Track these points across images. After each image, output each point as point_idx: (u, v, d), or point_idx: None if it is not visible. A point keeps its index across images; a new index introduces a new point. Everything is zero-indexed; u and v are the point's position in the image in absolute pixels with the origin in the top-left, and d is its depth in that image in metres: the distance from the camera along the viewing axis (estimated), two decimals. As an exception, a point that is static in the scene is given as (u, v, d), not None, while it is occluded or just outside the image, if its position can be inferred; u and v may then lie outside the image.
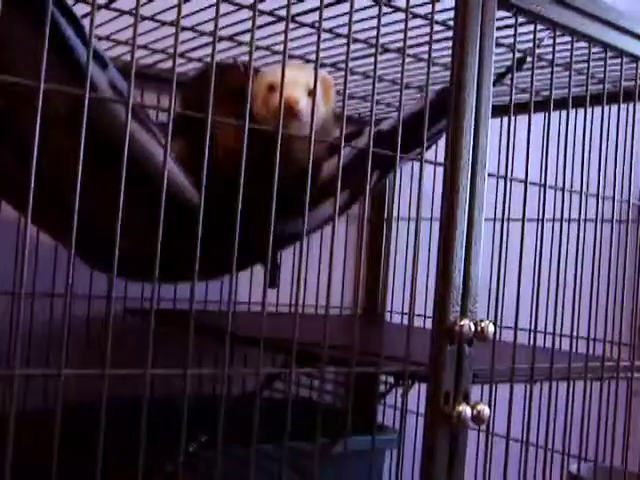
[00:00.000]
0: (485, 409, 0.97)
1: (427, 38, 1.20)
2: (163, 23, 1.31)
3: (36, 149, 0.67)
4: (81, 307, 1.54)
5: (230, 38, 1.38)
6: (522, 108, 1.12)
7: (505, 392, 1.05)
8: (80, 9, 0.93)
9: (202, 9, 1.20)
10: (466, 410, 0.96)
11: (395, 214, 1.99)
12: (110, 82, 0.89)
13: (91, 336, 1.51)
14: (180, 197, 1.02)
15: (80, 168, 0.69)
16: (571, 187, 1.15)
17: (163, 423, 0.86)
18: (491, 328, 0.98)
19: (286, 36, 0.84)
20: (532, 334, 1.14)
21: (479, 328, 0.97)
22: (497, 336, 1.02)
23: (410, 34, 1.27)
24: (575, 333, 1.12)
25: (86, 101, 0.69)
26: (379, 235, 2.03)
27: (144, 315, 1.50)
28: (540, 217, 1.11)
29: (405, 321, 1.86)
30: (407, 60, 1.48)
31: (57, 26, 0.81)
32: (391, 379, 1.13)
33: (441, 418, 0.96)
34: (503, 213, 1.06)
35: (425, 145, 1.03)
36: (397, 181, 1.98)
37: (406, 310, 1.82)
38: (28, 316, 1.42)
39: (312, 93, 1.02)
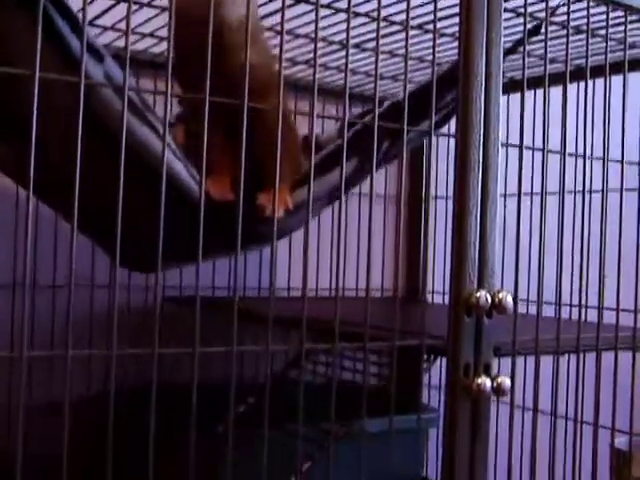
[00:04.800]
0: (506, 381, 0.97)
1: (448, 12, 1.20)
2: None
3: (34, 139, 0.69)
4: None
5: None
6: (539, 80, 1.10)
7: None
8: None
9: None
10: (486, 382, 0.95)
11: (433, 193, 1.99)
12: (106, 74, 0.91)
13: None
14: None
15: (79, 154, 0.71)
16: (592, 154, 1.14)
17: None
18: (509, 299, 0.97)
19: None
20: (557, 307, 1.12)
21: (496, 300, 0.96)
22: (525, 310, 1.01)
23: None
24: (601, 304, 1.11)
25: (82, 89, 0.71)
26: (417, 214, 2.02)
27: (180, 303, 1.53)
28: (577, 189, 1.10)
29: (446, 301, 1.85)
30: (431, 36, 1.47)
31: (53, 22, 0.83)
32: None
33: (460, 390, 0.95)
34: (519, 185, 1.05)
35: (438, 116, 1.02)
36: (432, 158, 2.00)
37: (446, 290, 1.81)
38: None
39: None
